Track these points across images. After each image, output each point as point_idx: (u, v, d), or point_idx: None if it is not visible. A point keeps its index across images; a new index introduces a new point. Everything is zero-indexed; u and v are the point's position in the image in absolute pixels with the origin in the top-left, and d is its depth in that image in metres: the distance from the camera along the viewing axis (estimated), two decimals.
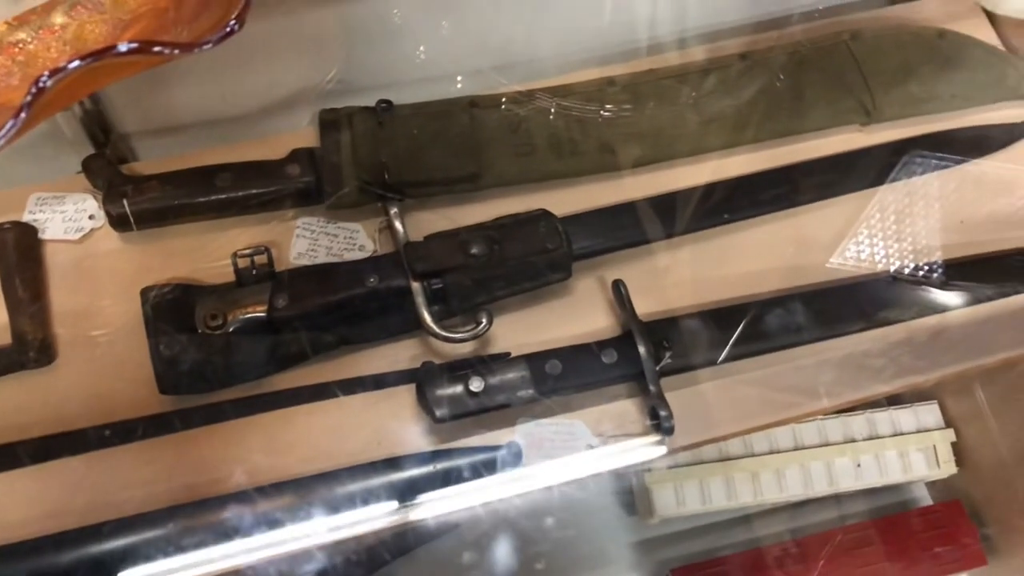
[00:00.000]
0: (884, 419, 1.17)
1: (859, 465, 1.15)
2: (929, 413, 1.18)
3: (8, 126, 0.44)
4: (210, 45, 0.45)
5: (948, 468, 1.15)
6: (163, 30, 0.49)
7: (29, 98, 0.43)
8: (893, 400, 1.21)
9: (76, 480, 0.67)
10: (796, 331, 0.74)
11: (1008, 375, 1.08)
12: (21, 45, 0.46)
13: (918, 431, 1.17)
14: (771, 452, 1.14)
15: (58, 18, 0.47)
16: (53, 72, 0.42)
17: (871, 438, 1.16)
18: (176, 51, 0.45)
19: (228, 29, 0.45)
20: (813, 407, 0.74)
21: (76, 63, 0.41)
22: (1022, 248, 0.80)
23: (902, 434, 1.17)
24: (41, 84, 0.43)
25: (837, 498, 1.20)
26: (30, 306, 0.71)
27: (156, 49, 0.44)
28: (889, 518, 1.18)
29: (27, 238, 0.74)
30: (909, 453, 1.16)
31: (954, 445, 1.16)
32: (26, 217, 0.75)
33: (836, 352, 0.75)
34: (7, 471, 0.67)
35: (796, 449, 1.14)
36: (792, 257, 0.78)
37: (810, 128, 0.83)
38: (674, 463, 1.12)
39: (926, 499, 1.24)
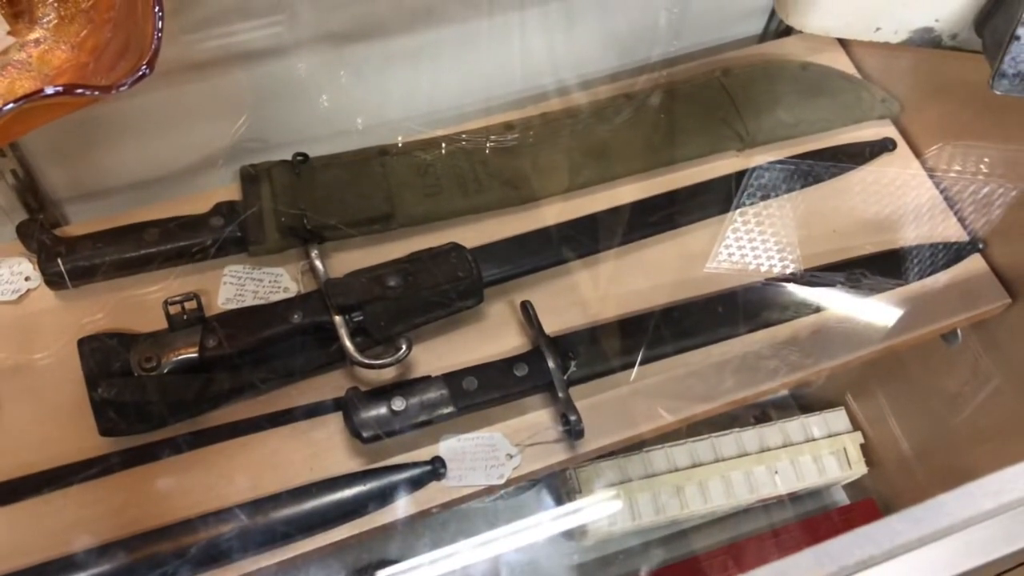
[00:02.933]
0: (796, 427, 1.25)
1: (776, 472, 1.22)
2: (838, 419, 1.26)
3: None
4: (125, 87, 0.52)
5: (859, 468, 1.23)
6: (84, 80, 0.55)
7: None
8: (804, 409, 1.29)
9: (26, 522, 0.70)
10: (688, 336, 0.82)
11: (904, 377, 1.17)
12: None
13: (829, 435, 1.25)
14: (693, 466, 1.20)
15: None
16: None
17: (785, 446, 1.23)
18: (96, 92, 0.51)
19: (140, 73, 0.52)
20: (712, 405, 0.81)
21: (10, 105, 0.47)
22: (887, 250, 0.89)
23: (814, 440, 1.24)
24: None
25: (766, 507, 1.27)
26: None
27: (79, 91, 0.50)
28: (811, 519, 1.25)
29: None
30: (822, 457, 1.23)
31: (863, 447, 1.24)
32: None
33: (728, 354, 0.83)
34: None
35: (716, 461, 1.21)
36: (680, 272, 0.86)
37: (691, 156, 0.92)
38: (605, 483, 1.18)
39: (844, 500, 1.32)
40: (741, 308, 0.83)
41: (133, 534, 0.70)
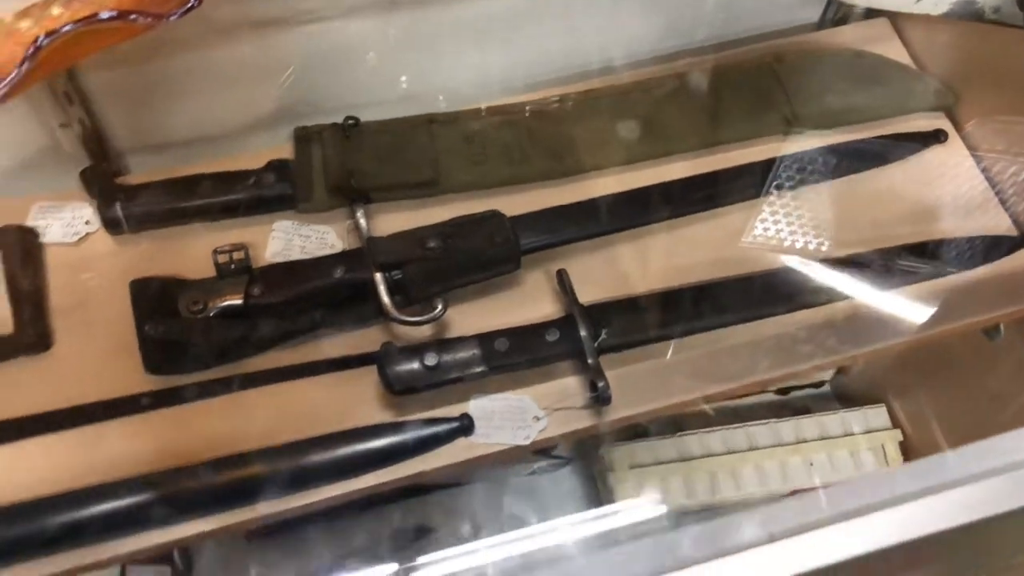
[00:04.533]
0: (835, 421, 1.24)
1: (812, 464, 1.21)
2: (877, 415, 1.25)
3: (11, 75, 0.54)
4: (176, 16, 0.55)
5: (897, 466, 1.22)
6: (139, 9, 0.59)
7: (31, 51, 0.53)
8: (844, 404, 1.28)
9: (73, 450, 0.74)
10: (723, 313, 0.82)
11: (946, 375, 1.15)
12: (26, 32, 0.55)
13: (868, 431, 1.24)
14: (727, 452, 1.21)
15: (55, 9, 0.56)
16: (49, 33, 0.52)
17: (823, 439, 1.23)
18: (149, 19, 0.54)
19: (189, 5, 0.55)
20: (743, 383, 0.82)
21: (68, 26, 0.51)
22: (930, 240, 0.88)
23: (852, 435, 1.23)
24: (39, 43, 0.52)
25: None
26: (30, 299, 0.79)
27: (132, 16, 0.53)
28: None
29: (28, 239, 0.82)
30: (860, 452, 1.23)
31: (901, 444, 1.23)
32: (29, 223, 0.84)
33: (762, 334, 0.83)
34: (12, 442, 0.74)
35: (751, 449, 1.21)
36: (718, 251, 0.86)
37: (737, 138, 0.92)
38: (636, 463, 1.19)
39: None
40: (778, 289, 0.84)
41: (170, 468, 0.74)
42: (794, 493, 1.22)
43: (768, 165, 0.91)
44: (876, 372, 1.30)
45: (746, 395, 1.30)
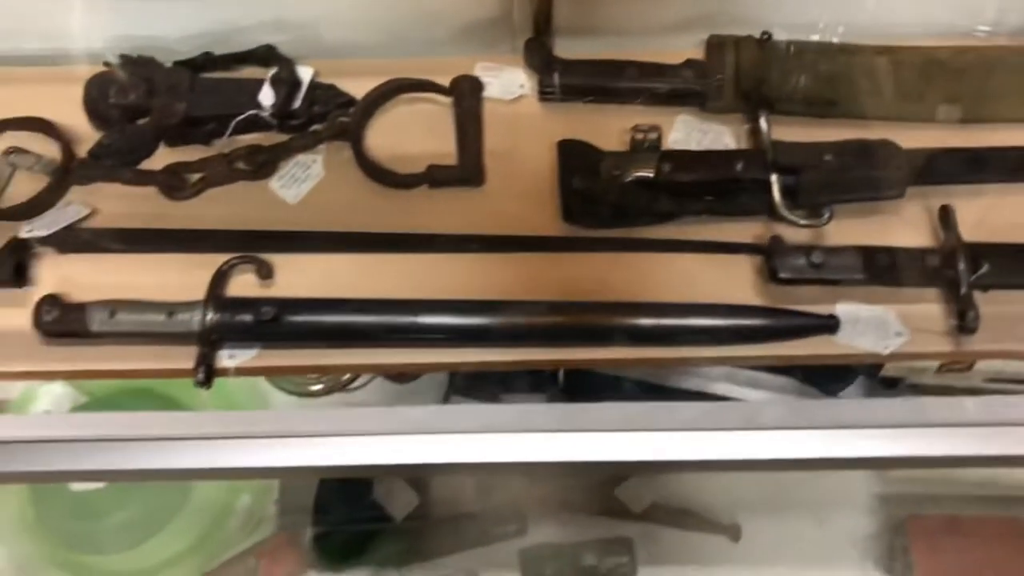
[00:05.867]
0: None
1: None
2: None
3: None
4: None
5: None
6: None
7: None
8: None
9: (492, 272, 0.88)
10: None
11: None
12: None
13: None
14: None
15: None
16: None
17: None
18: None
19: None
20: None
21: None
22: None
23: None
24: None
25: None
26: (472, 140, 0.93)
27: None
28: None
29: (476, 89, 0.96)
30: None
31: None
32: None
33: None
34: (442, 253, 0.89)
35: None
36: None
37: None
38: None
39: None
40: None
41: (565, 300, 0.86)
42: None
43: None
44: None
45: None
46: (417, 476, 1.24)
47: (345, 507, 1.28)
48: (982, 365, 1.22)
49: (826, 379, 1.31)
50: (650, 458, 0.66)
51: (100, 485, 1.20)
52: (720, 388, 1.27)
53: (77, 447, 0.67)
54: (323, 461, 0.67)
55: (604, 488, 1.28)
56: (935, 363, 1.20)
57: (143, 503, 1.28)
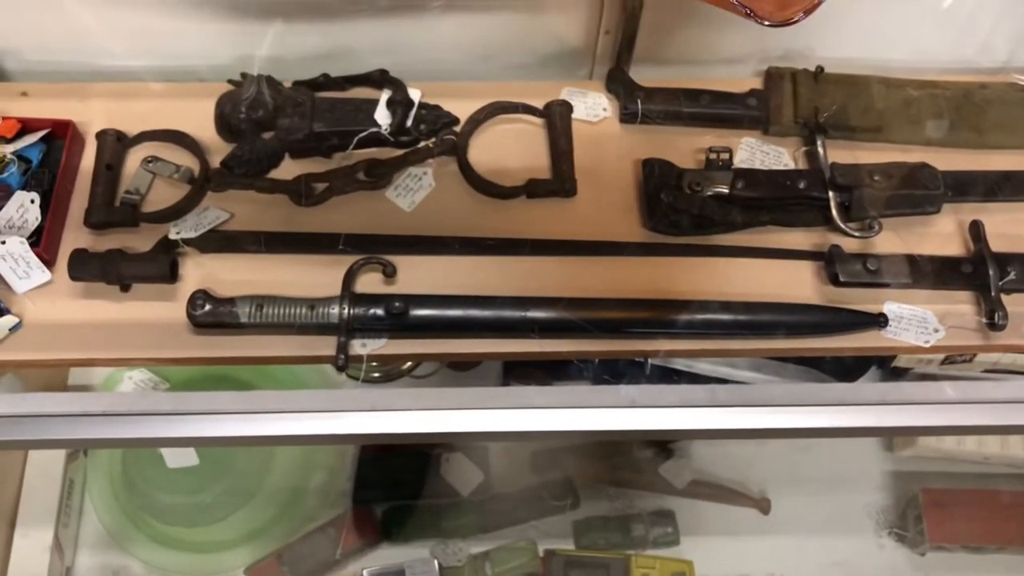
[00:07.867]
0: None
1: None
2: None
3: None
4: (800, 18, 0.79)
5: None
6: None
7: None
8: None
9: (584, 272, 1.01)
10: None
11: None
12: None
13: None
14: None
15: None
16: None
17: None
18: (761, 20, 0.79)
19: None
20: None
21: None
22: None
23: None
24: None
25: None
26: (565, 156, 1.06)
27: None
28: None
29: (566, 111, 1.09)
30: None
31: None
32: None
33: None
34: (536, 256, 1.02)
35: None
36: None
37: None
38: None
39: None
40: None
41: (647, 298, 0.99)
42: None
43: None
44: None
45: None
46: (483, 444, 1.39)
47: (415, 483, 1.40)
48: (981, 357, 1.38)
49: (845, 369, 1.46)
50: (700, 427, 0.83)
51: (194, 462, 1.31)
52: (722, 371, 1.42)
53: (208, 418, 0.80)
54: (395, 429, 0.80)
55: (649, 465, 1.42)
56: (940, 355, 1.36)
57: (228, 481, 1.40)
